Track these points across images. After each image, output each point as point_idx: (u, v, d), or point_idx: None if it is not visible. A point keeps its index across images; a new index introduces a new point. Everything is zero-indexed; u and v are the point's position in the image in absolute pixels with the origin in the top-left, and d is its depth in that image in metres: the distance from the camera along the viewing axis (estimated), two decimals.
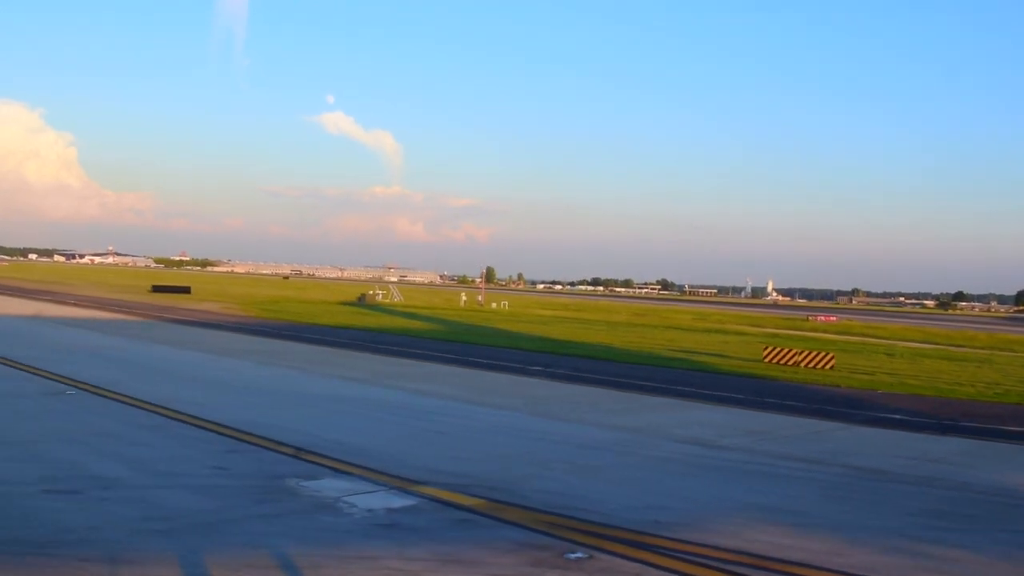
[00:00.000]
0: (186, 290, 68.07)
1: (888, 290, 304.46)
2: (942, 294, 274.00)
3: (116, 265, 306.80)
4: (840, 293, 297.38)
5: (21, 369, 18.33)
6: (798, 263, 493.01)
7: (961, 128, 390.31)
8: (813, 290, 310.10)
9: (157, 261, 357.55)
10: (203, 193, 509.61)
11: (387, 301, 69.82)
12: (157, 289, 67.76)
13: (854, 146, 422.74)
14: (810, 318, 79.31)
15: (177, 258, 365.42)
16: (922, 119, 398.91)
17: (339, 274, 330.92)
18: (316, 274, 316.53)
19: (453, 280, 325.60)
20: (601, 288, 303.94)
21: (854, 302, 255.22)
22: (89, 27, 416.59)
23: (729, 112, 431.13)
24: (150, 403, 14.64)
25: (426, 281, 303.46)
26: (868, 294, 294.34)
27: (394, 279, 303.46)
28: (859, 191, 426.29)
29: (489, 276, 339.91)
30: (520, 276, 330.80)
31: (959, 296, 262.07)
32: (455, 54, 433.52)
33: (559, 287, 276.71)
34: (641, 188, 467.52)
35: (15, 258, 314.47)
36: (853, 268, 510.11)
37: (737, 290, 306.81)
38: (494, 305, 72.25)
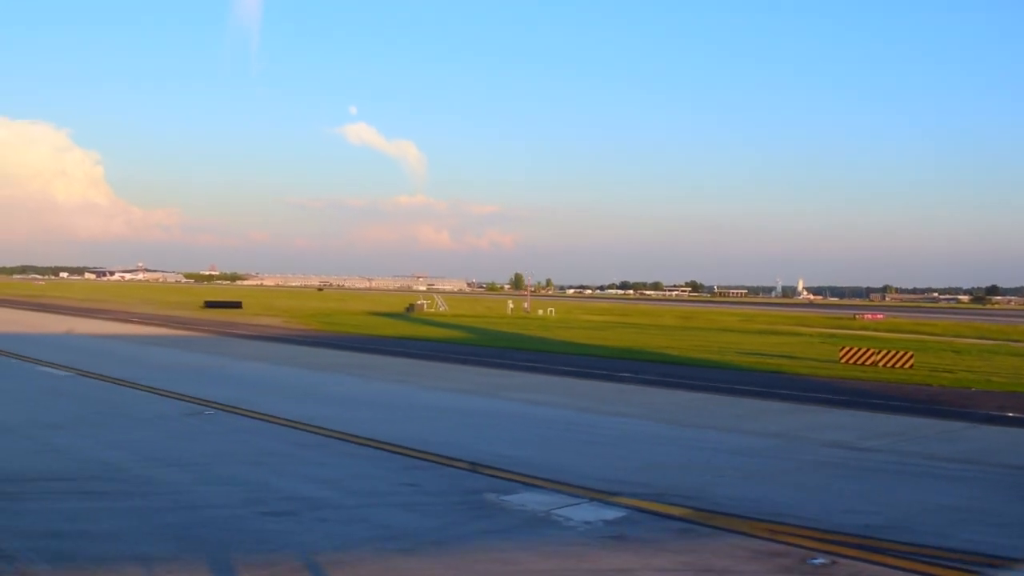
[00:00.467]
0: (237, 305, 68.71)
1: (917, 286, 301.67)
2: (974, 288, 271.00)
3: (147, 281, 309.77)
4: (871, 290, 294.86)
5: (144, 390, 18.62)
6: (824, 261, 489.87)
7: (981, 122, 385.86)
8: (844, 288, 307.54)
9: (187, 276, 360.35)
10: (228, 207, 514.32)
11: (434, 311, 70.04)
12: (209, 305, 68.40)
13: (879, 143, 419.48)
14: (857, 316, 78.72)
15: (207, 272, 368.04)
16: (946, 114, 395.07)
17: (367, 284, 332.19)
18: (345, 285, 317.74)
19: (481, 287, 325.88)
20: (631, 292, 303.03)
21: (887, 299, 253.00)
22: (113, 46, 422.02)
23: (751, 112, 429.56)
24: (290, 420, 14.87)
25: (455, 289, 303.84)
26: (899, 290, 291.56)
27: (423, 288, 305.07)
28: (884, 187, 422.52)
29: (518, 283, 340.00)
30: (548, 282, 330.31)
31: (992, 290, 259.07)
32: (476, 62, 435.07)
33: (588, 292, 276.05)
34: (663, 191, 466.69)
35: (47, 277, 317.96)
36: (880, 265, 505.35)
37: (767, 290, 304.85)
38: (540, 312, 72.33)
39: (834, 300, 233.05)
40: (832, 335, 50.77)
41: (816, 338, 46.38)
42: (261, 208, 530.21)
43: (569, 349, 34.77)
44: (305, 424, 14.52)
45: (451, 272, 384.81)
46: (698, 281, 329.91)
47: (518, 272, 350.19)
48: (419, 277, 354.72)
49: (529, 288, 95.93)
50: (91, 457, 11.76)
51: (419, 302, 76.29)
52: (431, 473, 11.17)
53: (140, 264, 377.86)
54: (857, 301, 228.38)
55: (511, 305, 74.40)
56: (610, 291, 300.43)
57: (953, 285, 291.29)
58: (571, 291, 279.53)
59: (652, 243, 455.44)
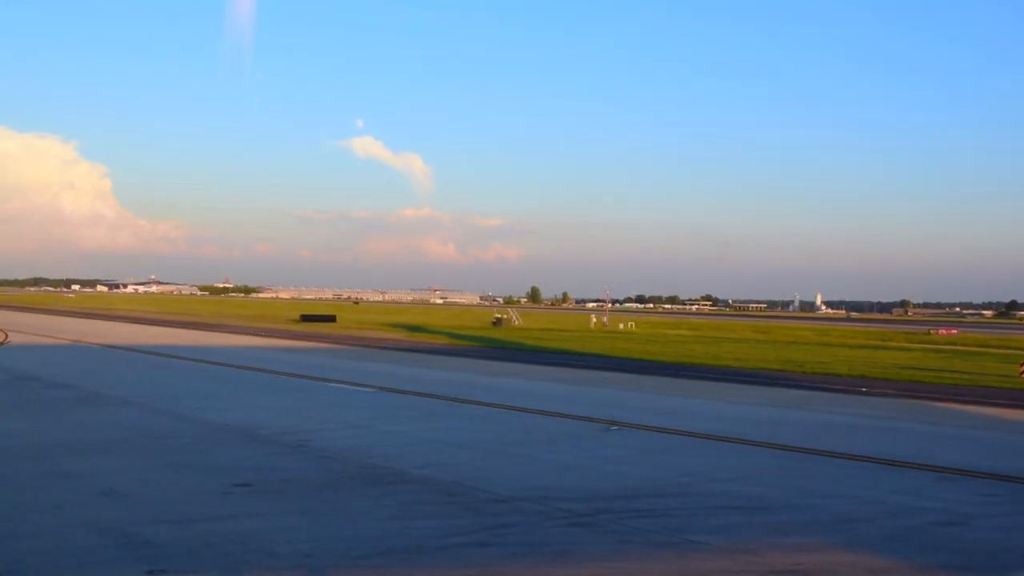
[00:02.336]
0: (332, 319, 68.79)
1: (927, 300, 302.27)
2: (988, 303, 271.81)
3: (163, 293, 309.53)
4: (891, 305, 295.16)
5: (510, 410, 18.51)
6: (836, 276, 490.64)
7: (992, 140, 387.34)
8: (862, 302, 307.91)
9: (202, 289, 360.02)
10: (234, 220, 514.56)
11: (522, 325, 70.12)
12: (305, 318, 68.47)
13: (894, 158, 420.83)
14: (932, 332, 78.92)
15: (221, 285, 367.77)
16: (957, 130, 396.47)
17: (381, 297, 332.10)
18: (364, 298, 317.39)
19: (497, 301, 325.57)
20: (650, 305, 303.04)
21: (909, 313, 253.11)
22: (119, 59, 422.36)
23: (759, 127, 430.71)
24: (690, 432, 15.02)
25: (469, 302, 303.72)
26: (916, 305, 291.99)
27: (440, 300, 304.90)
28: (896, 202, 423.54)
29: (534, 296, 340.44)
30: (565, 295, 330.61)
31: (1013, 305, 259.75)
32: (482, 76, 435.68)
33: (609, 305, 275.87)
34: (671, 204, 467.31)
35: (65, 289, 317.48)
36: (894, 280, 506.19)
37: (785, 304, 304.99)
38: (621, 326, 72.37)
39: (856, 315, 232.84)
40: (939, 350, 50.38)
41: (943, 354, 46.11)
42: (267, 221, 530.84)
43: (732, 364, 34.39)
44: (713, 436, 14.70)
45: (458, 285, 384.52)
46: (712, 295, 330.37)
47: (534, 286, 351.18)
48: (435, 290, 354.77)
49: (608, 303, 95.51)
50: (645, 475, 11.82)
51: (500, 316, 76.34)
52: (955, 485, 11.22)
53: (153, 277, 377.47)
54: (880, 316, 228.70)
55: (594, 319, 74.38)
56: (628, 304, 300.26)
57: (963, 300, 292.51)
58: (591, 304, 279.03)
59: (661, 257, 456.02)
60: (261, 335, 48.55)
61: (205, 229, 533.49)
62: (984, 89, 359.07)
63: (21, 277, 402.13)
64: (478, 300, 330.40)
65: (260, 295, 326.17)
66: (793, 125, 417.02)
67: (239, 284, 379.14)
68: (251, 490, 10.43)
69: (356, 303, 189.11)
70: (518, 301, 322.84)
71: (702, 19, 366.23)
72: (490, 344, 43.58)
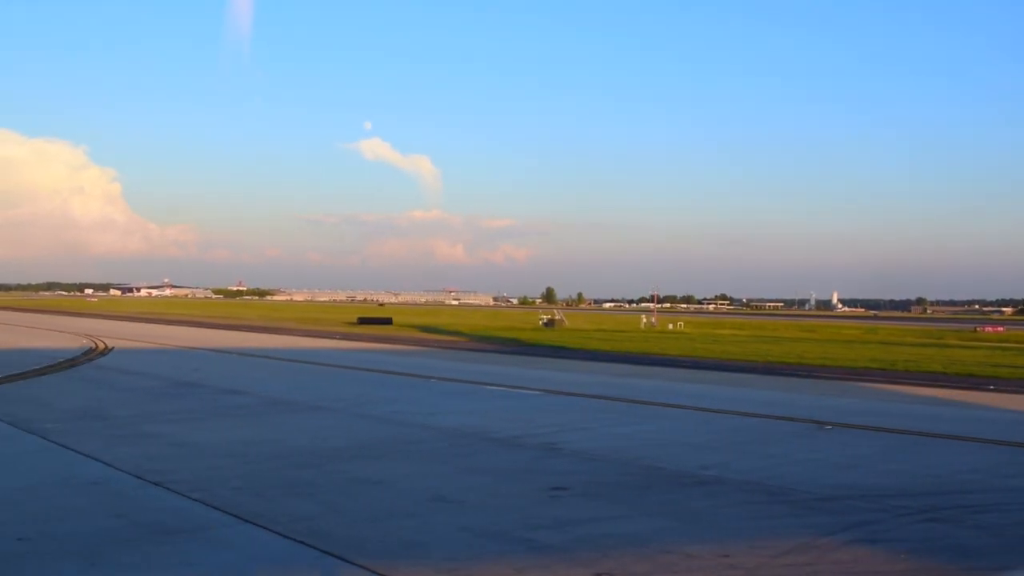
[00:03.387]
0: (388, 321, 69.01)
1: (940, 298, 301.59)
2: (1007, 300, 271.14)
3: (176, 297, 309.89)
4: (906, 303, 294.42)
5: (703, 411, 18.67)
6: (847, 274, 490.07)
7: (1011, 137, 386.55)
8: (878, 300, 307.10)
9: (216, 292, 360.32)
10: (243, 223, 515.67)
11: (574, 327, 70.20)
12: (363, 321, 68.69)
13: (909, 155, 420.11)
14: (978, 329, 78.89)
15: (235, 288, 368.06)
16: (973, 128, 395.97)
17: (395, 299, 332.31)
18: (380, 300, 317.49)
19: (510, 301, 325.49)
20: (667, 304, 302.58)
21: (929, 311, 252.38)
22: (127, 64, 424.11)
23: (771, 124, 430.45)
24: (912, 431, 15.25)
25: (482, 303, 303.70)
26: (933, 303, 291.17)
27: (455, 301, 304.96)
28: (907, 199, 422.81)
29: (549, 296, 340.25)
30: (580, 295, 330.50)
31: None
32: (490, 77, 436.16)
33: (628, 305, 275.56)
34: (681, 203, 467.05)
35: (79, 293, 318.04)
36: (903, 278, 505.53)
37: (801, 303, 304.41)
38: (670, 326, 72.40)
39: (883, 313, 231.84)
40: (1004, 348, 50.09)
41: (1010, 351, 45.76)
42: (276, 224, 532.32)
43: (824, 362, 34.34)
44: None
45: (467, 286, 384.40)
46: (727, 294, 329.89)
47: (550, 286, 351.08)
48: (449, 292, 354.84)
49: (656, 303, 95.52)
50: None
51: (547, 317, 76.41)
52: None
53: (166, 280, 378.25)
54: (898, 313, 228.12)
55: (644, 320, 74.46)
56: (644, 304, 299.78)
57: (977, 297, 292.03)
58: (608, 304, 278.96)
59: (669, 257, 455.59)
60: (337, 337, 48.79)
61: (215, 233, 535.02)
62: (1002, 86, 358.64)
63: (35, 282, 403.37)
64: (491, 301, 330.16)
65: (274, 298, 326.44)
66: (803, 123, 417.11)
67: (252, 287, 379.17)
68: (570, 493, 10.53)
69: (381, 305, 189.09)
70: (533, 302, 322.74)
71: (712, 15, 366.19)
72: (560, 345, 43.46)
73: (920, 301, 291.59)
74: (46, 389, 20.68)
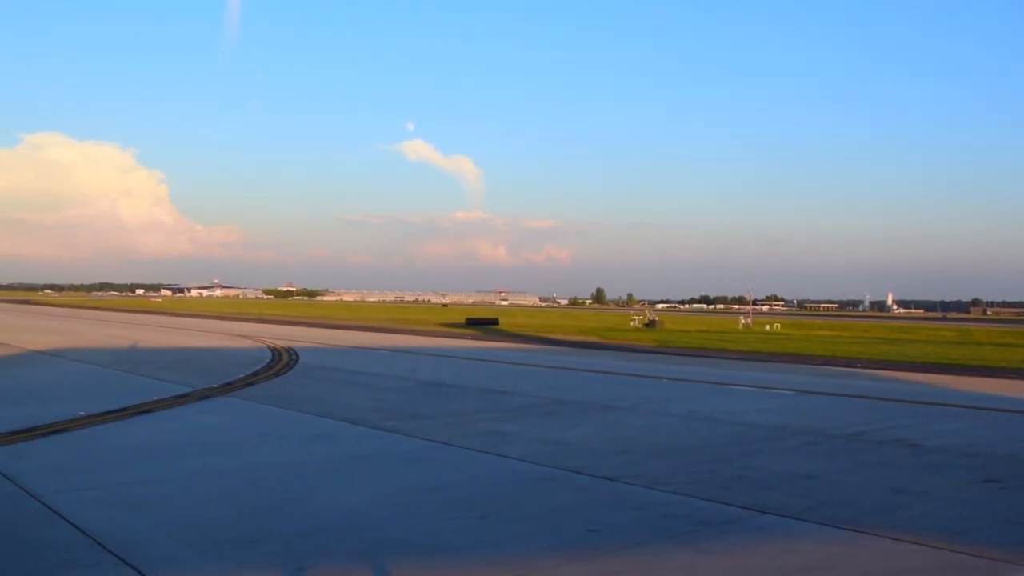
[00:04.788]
0: (495, 322, 69.21)
1: (990, 298, 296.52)
2: None
3: (226, 297, 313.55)
4: (961, 304, 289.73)
5: None
6: (897, 274, 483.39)
7: None
8: (933, 301, 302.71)
9: (266, 292, 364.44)
10: (288, 224, 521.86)
11: (670, 327, 69.81)
12: (471, 322, 68.96)
13: (963, 152, 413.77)
14: None
15: (284, 288, 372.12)
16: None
17: (443, 299, 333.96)
18: (429, 300, 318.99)
19: (560, 302, 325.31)
20: (719, 305, 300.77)
21: (988, 312, 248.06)
22: (175, 67, 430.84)
23: (813, 124, 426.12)
24: None
25: (530, 304, 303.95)
26: (990, 303, 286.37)
27: (505, 302, 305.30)
28: (961, 199, 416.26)
29: (599, 297, 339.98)
30: (630, 296, 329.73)
31: None
32: (531, 77, 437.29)
33: (683, 307, 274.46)
34: (723, 203, 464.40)
35: (130, 293, 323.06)
36: (953, 278, 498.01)
37: (855, 304, 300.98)
38: (767, 327, 71.77)
39: (952, 314, 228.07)
40: None
41: None
42: (320, 225, 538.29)
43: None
44: None
45: (510, 287, 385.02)
46: (775, 295, 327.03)
47: (599, 287, 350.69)
48: (499, 292, 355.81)
49: (752, 303, 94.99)
50: None
51: (638, 318, 76.16)
52: None
53: (215, 281, 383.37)
54: (962, 314, 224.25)
55: (743, 320, 73.94)
56: (696, 305, 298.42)
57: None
58: (661, 305, 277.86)
59: (713, 256, 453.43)
60: (468, 337, 49.04)
61: (260, 234, 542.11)
62: None
63: (87, 282, 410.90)
64: (538, 302, 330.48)
65: (324, 298, 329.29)
66: (851, 124, 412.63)
67: (299, 288, 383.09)
68: (1001, 487, 10.52)
69: (444, 306, 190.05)
70: (584, 302, 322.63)
71: (752, 19, 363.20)
72: (698, 346, 43.24)
73: (976, 302, 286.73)
74: (303, 389, 20.52)
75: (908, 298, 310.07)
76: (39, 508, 9.00)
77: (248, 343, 38.61)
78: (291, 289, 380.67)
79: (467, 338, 48.16)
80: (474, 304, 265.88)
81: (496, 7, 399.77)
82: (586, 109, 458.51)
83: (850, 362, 33.27)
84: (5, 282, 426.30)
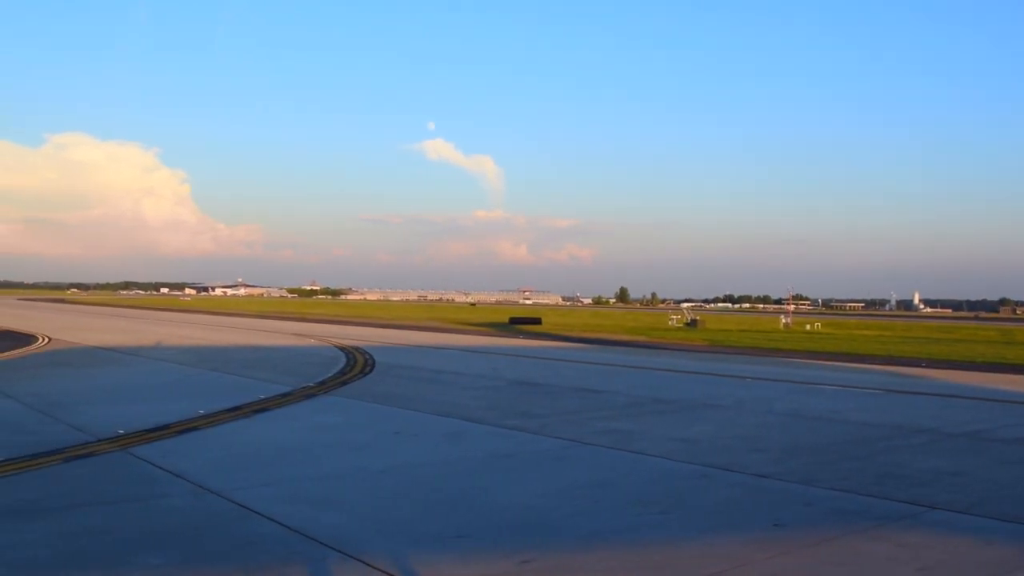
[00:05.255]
0: (537, 321, 69.45)
1: (1016, 298, 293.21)
2: None
3: (251, 296, 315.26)
4: (987, 304, 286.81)
5: None
6: (921, 273, 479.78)
7: None
8: (958, 301, 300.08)
9: (290, 291, 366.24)
10: (309, 223, 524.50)
11: (718, 327, 69.77)
12: (514, 321, 69.24)
13: (990, 147, 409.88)
14: None
15: (308, 287, 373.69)
16: None
17: (466, 298, 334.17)
18: (452, 299, 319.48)
19: (581, 301, 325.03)
20: (745, 305, 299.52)
21: (1018, 311, 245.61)
22: (196, 68, 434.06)
23: (833, 124, 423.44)
24: None
25: (554, 303, 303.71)
26: (1018, 303, 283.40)
27: (530, 301, 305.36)
28: (990, 196, 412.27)
29: (623, 296, 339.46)
30: (654, 295, 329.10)
31: None
32: (552, 76, 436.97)
33: (709, 306, 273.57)
34: (744, 202, 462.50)
35: (155, 291, 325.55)
36: (980, 277, 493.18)
37: (881, 303, 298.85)
38: (808, 327, 71.54)
39: (984, 314, 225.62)
40: None
41: None
42: (342, 224, 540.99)
43: None
44: None
45: (531, 285, 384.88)
46: (802, 294, 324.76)
47: (623, 286, 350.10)
48: (523, 291, 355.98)
49: (791, 302, 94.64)
50: None
51: (676, 318, 76.14)
52: None
53: (239, 280, 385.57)
54: (988, 314, 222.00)
55: (784, 320, 73.77)
56: (720, 304, 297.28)
57: None
58: (686, 305, 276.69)
59: (735, 256, 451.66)
60: (521, 336, 49.21)
61: (281, 233, 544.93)
62: None
63: (111, 281, 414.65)
64: (560, 301, 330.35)
65: (348, 297, 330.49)
66: (871, 123, 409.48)
67: (323, 287, 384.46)
68: None
69: (472, 305, 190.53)
70: (608, 301, 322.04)
71: (774, 18, 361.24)
72: (738, 345, 43.15)
73: (1005, 301, 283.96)
74: (399, 388, 20.48)
75: (931, 297, 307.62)
76: (228, 505, 9.21)
77: (310, 342, 39.01)
78: (315, 288, 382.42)
79: (519, 337, 48.32)
80: (497, 303, 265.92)
81: (518, 7, 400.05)
82: (607, 109, 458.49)
83: (912, 362, 33.22)
84: (31, 281, 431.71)
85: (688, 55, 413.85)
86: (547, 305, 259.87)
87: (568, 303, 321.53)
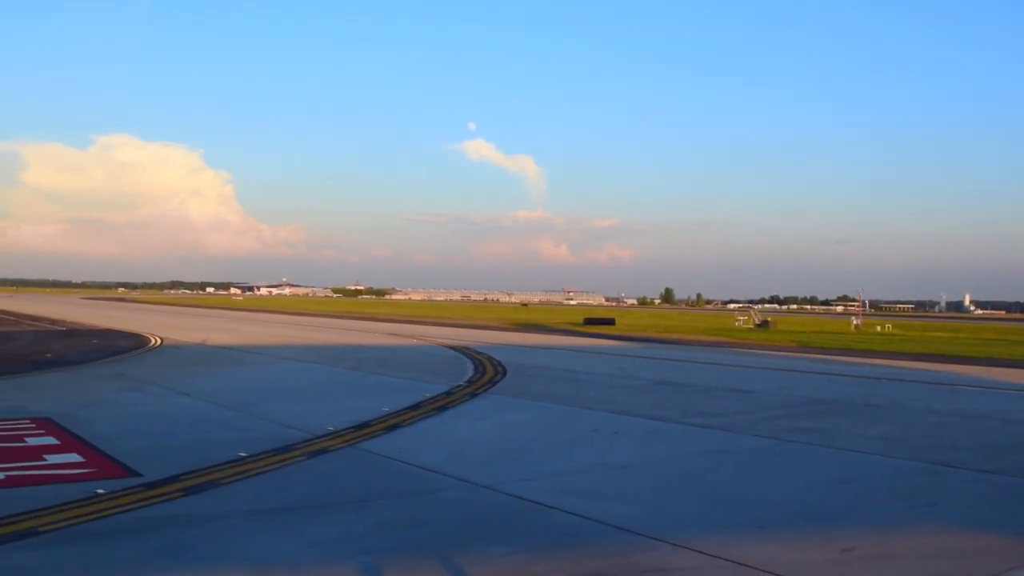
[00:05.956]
0: (611, 322, 69.81)
1: None
2: None
3: (296, 295, 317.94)
4: None
5: None
6: (965, 274, 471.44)
7: None
8: (1009, 302, 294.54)
9: (335, 291, 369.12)
10: (350, 223, 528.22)
11: (785, 327, 69.52)
12: (588, 321, 69.69)
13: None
14: None
15: (352, 287, 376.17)
16: None
17: (509, 299, 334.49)
18: (497, 300, 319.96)
19: (625, 302, 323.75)
20: (793, 306, 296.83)
21: None
22: (239, 68, 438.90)
23: (873, 117, 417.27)
24: None
25: (597, 303, 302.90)
26: None
27: (574, 302, 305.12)
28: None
29: (668, 296, 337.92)
30: (699, 296, 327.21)
31: None
32: (592, 75, 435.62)
33: (756, 307, 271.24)
34: (787, 203, 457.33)
35: (201, 291, 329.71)
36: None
37: (931, 304, 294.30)
38: (878, 328, 71.01)
39: (1019, 315, 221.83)
40: None
41: None
42: (383, 224, 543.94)
43: None
44: None
45: (572, 285, 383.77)
46: (848, 295, 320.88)
47: (668, 287, 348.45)
48: (567, 291, 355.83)
49: (860, 304, 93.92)
50: None
51: (742, 318, 76.00)
52: None
53: (284, 279, 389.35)
54: None
55: (855, 321, 73.33)
56: (768, 306, 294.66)
57: None
58: (734, 306, 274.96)
59: (777, 256, 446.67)
60: (607, 338, 49.34)
61: (324, 233, 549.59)
62: None
63: (159, 280, 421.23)
64: (603, 301, 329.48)
65: (392, 297, 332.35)
66: (921, 118, 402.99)
67: (367, 286, 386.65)
68: None
69: (524, 305, 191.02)
70: (652, 302, 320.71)
71: (820, 14, 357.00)
72: (826, 346, 43.00)
73: None
74: (551, 387, 20.47)
75: (978, 299, 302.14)
76: (510, 499, 9.42)
77: (412, 341, 39.74)
78: (359, 288, 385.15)
79: (606, 338, 48.58)
80: (541, 303, 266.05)
81: (556, 7, 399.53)
82: (648, 108, 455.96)
83: (1016, 363, 33.18)
84: (79, 280, 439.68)
85: (730, 52, 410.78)
86: (592, 305, 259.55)
87: (612, 303, 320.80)
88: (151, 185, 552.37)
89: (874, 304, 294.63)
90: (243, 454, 11.25)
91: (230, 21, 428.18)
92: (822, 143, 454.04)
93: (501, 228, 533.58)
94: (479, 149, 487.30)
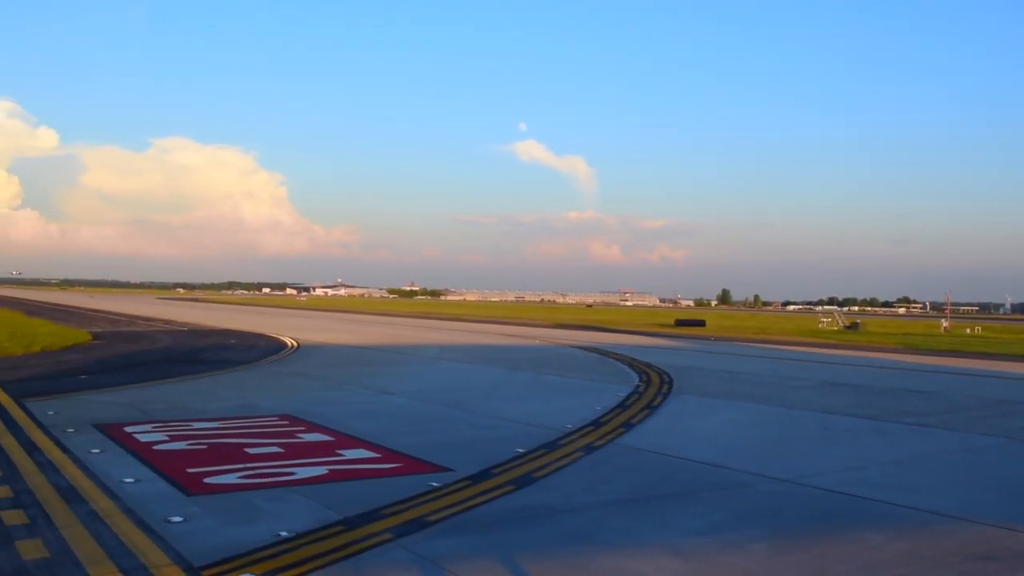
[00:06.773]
0: (701, 323, 70.28)
1: None
2: None
3: (351, 296, 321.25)
4: None
5: None
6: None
7: None
8: None
9: (390, 292, 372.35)
10: (403, 225, 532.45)
11: (880, 330, 69.36)
12: (680, 323, 70.28)
13: None
14: None
15: (408, 288, 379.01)
16: None
17: (562, 299, 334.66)
18: (553, 300, 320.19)
19: (681, 303, 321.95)
20: (855, 308, 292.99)
21: None
22: (292, 72, 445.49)
23: (935, 122, 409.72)
24: None
25: (653, 304, 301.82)
26: None
27: (630, 303, 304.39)
28: None
29: (724, 298, 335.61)
30: (757, 298, 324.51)
31: None
32: (644, 75, 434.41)
33: (818, 309, 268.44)
34: (842, 203, 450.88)
35: (257, 291, 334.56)
36: None
37: (996, 306, 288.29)
38: (968, 331, 70.51)
39: None
40: None
41: None
42: (435, 225, 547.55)
43: None
44: None
45: (624, 286, 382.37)
46: (911, 297, 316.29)
47: (725, 288, 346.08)
48: (623, 292, 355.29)
49: (949, 307, 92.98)
50: None
51: (826, 320, 75.88)
52: None
53: (339, 280, 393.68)
54: None
55: (944, 324, 72.91)
56: (828, 308, 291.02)
57: None
58: (792, 308, 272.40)
59: (832, 256, 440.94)
60: (705, 340, 49.69)
61: (376, 234, 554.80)
62: None
63: (216, 281, 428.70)
64: (657, 302, 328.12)
65: (448, 298, 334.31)
66: (976, 123, 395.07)
67: (421, 287, 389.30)
68: None
69: (589, 307, 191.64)
70: (709, 303, 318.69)
71: (877, 14, 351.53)
72: (934, 348, 43.21)
73: None
74: (720, 386, 21.22)
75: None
76: (820, 492, 9.85)
77: (537, 342, 40.60)
78: (414, 289, 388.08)
79: (705, 340, 48.72)
80: (595, 304, 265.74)
81: (609, 8, 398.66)
82: (700, 107, 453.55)
83: None
84: (136, 281, 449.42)
85: (787, 51, 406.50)
86: (647, 307, 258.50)
87: (668, 304, 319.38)
88: (207, 187, 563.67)
89: (935, 306, 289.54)
90: (520, 450, 11.51)
91: (286, 28, 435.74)
92: (881, 143, 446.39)
93: (552, 229, 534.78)
94: (530, 150, 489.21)
